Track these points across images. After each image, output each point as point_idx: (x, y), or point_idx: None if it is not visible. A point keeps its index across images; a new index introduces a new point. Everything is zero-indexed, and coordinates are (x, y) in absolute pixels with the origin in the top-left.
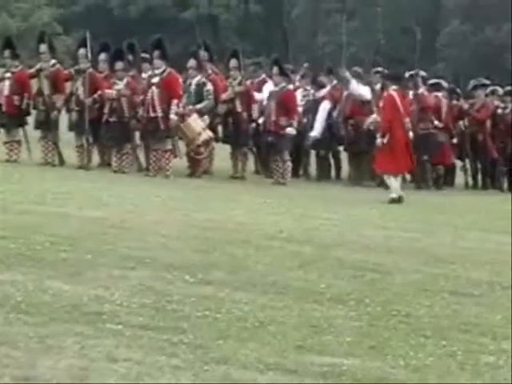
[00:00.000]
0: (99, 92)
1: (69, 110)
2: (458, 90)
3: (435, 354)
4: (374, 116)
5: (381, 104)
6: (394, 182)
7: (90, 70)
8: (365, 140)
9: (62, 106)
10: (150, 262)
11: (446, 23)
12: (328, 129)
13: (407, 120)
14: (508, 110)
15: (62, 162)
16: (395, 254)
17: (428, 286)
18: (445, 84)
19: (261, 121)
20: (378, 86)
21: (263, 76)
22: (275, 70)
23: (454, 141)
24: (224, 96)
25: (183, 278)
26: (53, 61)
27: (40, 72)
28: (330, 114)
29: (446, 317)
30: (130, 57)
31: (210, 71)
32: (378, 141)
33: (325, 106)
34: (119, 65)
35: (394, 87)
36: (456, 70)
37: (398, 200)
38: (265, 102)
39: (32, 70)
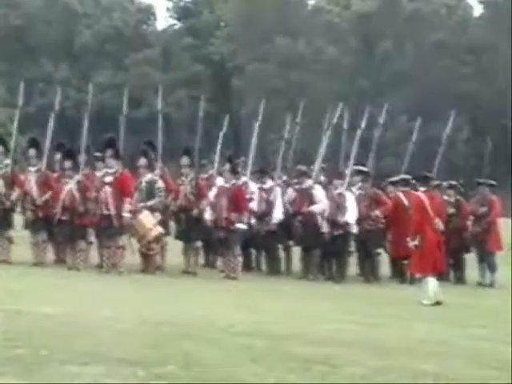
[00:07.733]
0: (50, 193)
1: (24, 210)
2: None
3: None
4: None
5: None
6: (429, 288)
7: (44, 169)
8: (313, 236)
9: (17, 203)
10: (104, 358)
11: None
12: (279, 223)
13: (437, 220)
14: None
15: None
16: (345, 347)
17: (376, 379)
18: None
19: (211, 217)
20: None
21: (211, 172)
22: (227, 166)
23: None
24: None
25: (136, 373)
26: (6, 161)
27: None
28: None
29: None
30: (84, 155)
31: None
32: (410, 244)
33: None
34: (68, 164)
35: (423, 188)
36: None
37: (436, 303)
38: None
39: None
